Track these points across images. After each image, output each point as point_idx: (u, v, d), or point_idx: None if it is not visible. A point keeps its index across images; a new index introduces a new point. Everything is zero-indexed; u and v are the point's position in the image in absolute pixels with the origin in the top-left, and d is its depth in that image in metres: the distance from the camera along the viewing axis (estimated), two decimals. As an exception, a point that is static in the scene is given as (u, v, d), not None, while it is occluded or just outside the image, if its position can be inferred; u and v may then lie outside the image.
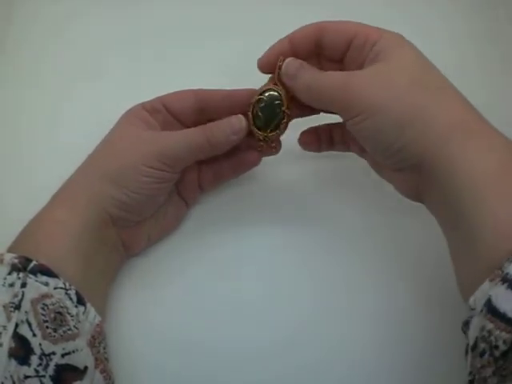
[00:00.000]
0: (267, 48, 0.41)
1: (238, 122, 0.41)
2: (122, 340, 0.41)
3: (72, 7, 0.55)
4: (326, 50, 0.40)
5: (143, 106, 0.43)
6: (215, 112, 0.42)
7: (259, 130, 0.41)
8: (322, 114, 0.43)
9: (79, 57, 0.53)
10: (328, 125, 0.44)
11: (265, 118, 0.41)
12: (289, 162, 0.47)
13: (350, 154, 0.44)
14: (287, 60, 0.39)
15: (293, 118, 0.42)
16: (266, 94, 0.41)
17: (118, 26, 0.54)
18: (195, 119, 0.43)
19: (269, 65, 0.40)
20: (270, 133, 0.41)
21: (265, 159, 0.44)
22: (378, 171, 0.41)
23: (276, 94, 0.40)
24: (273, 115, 0.41)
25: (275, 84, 0.41)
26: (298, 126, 0.43)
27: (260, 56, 0.41)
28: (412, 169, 0.36)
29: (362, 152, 0.42)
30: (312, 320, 0.42)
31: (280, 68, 0.40)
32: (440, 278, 0.39)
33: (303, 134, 0.44)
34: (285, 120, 0.41)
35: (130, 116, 0.43)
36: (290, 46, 0.40)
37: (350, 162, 0.46)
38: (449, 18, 0.54)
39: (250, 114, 0.41)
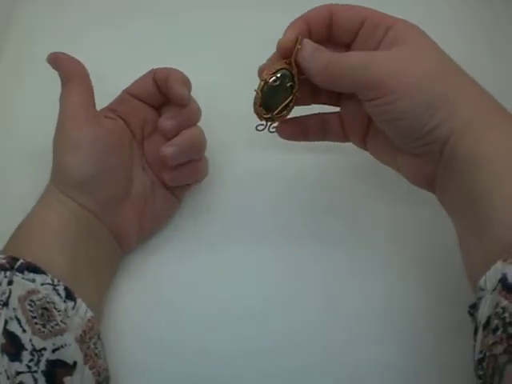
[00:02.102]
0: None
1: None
2: (120, 341, 0.41)
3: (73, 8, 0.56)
4: (335, 32, 0.39)
5: (108, 108, 0.44)
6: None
7: (263, 108, 0.39)
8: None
9: (80, 57, 0.52)
10: (319, 114, 0.42)
11: (273, 97, 0.39)
12: (290, 159, 0.48)
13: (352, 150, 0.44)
14: (304, 41, 0.38)
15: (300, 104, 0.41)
16: (279, 74, 0.39)
17: (118, 26, 0.55)
18: (162, 99, 0.44)
19: (285, 49, 0.39)
20: (276, 114, 0.40)
21: (269, 159, 0.44)
22: (383, 159, 0.40)
23: (289, 73, 0.39)
24: (281, 96, 0.39)
25: (289, 64, 0.39)
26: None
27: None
28: (432, 153, 0.36)
29: (361, 142, 0.41)
30: (314, 321, 0.42)
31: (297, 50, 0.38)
32: (450, 273, 0.40)
33: (283, 125, 0.42)
34: (293, 103, 0.40)
35: None
36: (306, 26, 0.39)
37: (352, 160, 0.47)
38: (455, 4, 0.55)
39: (258, 91, 0.39)
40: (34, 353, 0.33)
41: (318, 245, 0.45)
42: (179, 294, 0.43)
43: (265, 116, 0.40)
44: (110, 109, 0.44)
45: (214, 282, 0.44)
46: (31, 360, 0.33)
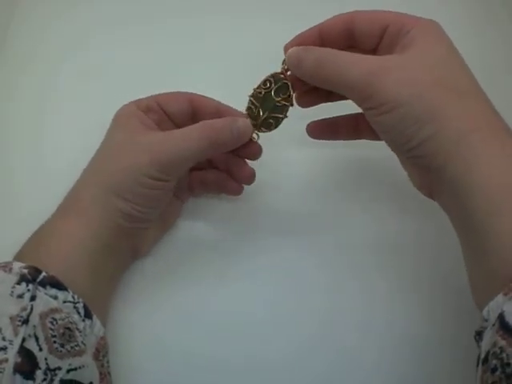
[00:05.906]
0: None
1: (243, 125, 0.39)
2: (120, 351, 0.40)
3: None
4: (358, 39, 0.38)
5: (137, 105, 0.41)
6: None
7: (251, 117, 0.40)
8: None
9: (80, 56, 0.53)
10: (352, 114, 0.42)
11: (263, 106, 0.40)
12: (292, 159, 0.47)
13: (358, 151, 0.45)
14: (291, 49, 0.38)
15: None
16: (266, 83, 0.39)
17: (119, 25, 0.54)
18: (189, 121, 0.42)
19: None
20: (261, 126, 0.40)
21: (269, 158, 0.43)
22: (400, 160, 0.40)
23: (283, 81, 0.39)
24: (271, 106, 0.39)
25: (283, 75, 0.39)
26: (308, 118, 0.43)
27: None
28: (421, 166, 0.35)
29: None
30: (317, 328, 0.41)
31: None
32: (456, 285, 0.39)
33: (314, 124, 0.43)
34: (282, 115, 0.39)
35: (125, 117, 0.41)
36: (318, 35, 0.38)
37: (357, 161, 0.47)
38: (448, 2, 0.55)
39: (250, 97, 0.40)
40: (48, 372, 0.31)
41: (321, 247, 0.44)
42: (182, 306, 0.42)
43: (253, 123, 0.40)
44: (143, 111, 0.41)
45: (215, 283, 0.43)
46: (44, 379, 0.31)
